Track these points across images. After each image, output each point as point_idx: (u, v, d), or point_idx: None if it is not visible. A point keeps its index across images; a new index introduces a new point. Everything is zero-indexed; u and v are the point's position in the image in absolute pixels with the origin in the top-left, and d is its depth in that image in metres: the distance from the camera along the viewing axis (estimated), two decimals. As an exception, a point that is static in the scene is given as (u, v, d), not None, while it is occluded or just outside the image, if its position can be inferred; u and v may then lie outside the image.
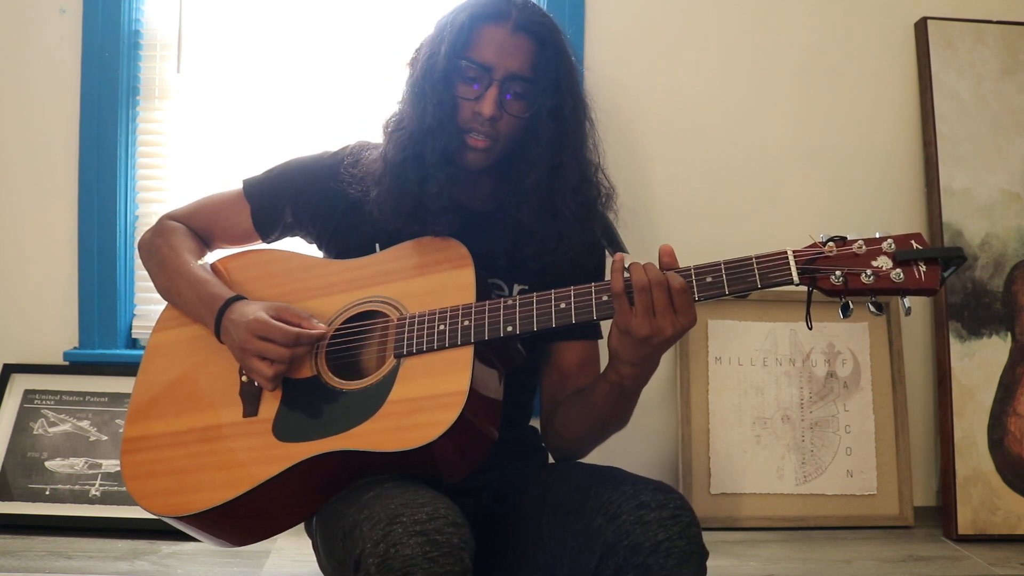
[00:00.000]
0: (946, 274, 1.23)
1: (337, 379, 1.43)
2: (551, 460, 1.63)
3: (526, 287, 1.56)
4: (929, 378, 2.29)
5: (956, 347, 2.16)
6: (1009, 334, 2.18)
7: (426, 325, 1.39)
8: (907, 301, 1.24)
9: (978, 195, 2.21)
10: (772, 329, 2.23)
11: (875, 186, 2.29)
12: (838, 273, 1.24)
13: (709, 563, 1.29)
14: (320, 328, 1.45)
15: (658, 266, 1.29)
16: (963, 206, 2.20)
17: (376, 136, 1.60)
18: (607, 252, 1.63)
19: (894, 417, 2.20)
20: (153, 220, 1.71)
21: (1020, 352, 2.17)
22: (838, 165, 2.29)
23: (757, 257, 1.27)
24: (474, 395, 1.31)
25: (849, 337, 2.23)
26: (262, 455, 1.39)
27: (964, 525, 2.08)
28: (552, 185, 1.49)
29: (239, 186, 1.68)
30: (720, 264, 1.28)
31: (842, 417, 2.20)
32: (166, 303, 1.64)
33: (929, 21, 2.24)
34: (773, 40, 2.28)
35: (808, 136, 2.28)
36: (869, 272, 1.23)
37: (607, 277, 1.33)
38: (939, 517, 2.17)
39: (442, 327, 1.38)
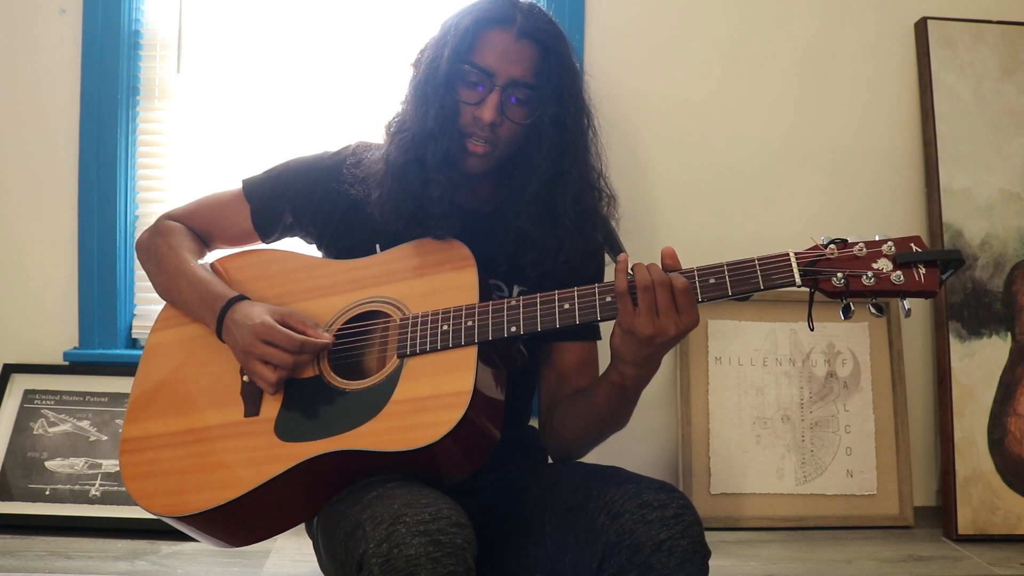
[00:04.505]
0: (944, 277, 1.24)
1: (340, 379, 1.42)
2: (550, 460, 1.63)
3: (526, 288, 1.56)
4: (929, 378, 2.30)
5: (956, 347, 2.17)
6: (1009, 334, 2.18)
7: (429, 325, 1.39)
8: (907, 303, 1.24)
9: (978, 195, 2.21)
10: (772, 329, 2.23)
11: (875, 186, 2.29)
12: (840, 275, 1.24)
13: (709, 563, 1.29)
14: (325, 338, 1.44)
15: (660, 267, 1.29)
16: (963, 206, 2.21)
17: (376, 136, 1.60)
18: (608, 256, 1.63)
19: (894, 417, 2.20)
20: (153, 220, 1.71)
21: (1020, 352, 2.17)
22: (838, 165, 2.29)
23: (760, 259, 1.27)
24: (478, 395, 1.31)
25: (849, 337, 2.23)
26: (264, 455, 1.38)
27: (964, 525, 2.09)
28: (553, 194, 1.49)
29: (239, 186, 1.67)
30: (723, 266, 1.29)
31: (842, 417, 2.20)
32: (165, 302, 1.64)
33: (929, 21, 2.25)
34: (773, 40, 2.28)
35: (808, 136, 2.28)
36: (870, 274, 1.24)
37: (608, 280, 1.33)
38: (939, 517, 2.18)
39: (445, 327, 1.38)
